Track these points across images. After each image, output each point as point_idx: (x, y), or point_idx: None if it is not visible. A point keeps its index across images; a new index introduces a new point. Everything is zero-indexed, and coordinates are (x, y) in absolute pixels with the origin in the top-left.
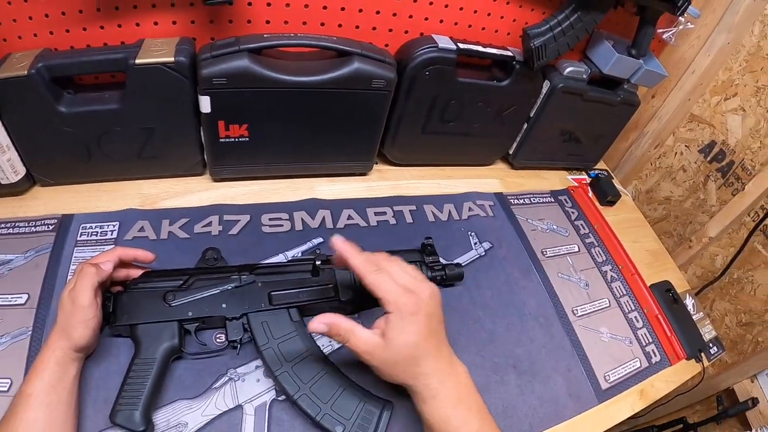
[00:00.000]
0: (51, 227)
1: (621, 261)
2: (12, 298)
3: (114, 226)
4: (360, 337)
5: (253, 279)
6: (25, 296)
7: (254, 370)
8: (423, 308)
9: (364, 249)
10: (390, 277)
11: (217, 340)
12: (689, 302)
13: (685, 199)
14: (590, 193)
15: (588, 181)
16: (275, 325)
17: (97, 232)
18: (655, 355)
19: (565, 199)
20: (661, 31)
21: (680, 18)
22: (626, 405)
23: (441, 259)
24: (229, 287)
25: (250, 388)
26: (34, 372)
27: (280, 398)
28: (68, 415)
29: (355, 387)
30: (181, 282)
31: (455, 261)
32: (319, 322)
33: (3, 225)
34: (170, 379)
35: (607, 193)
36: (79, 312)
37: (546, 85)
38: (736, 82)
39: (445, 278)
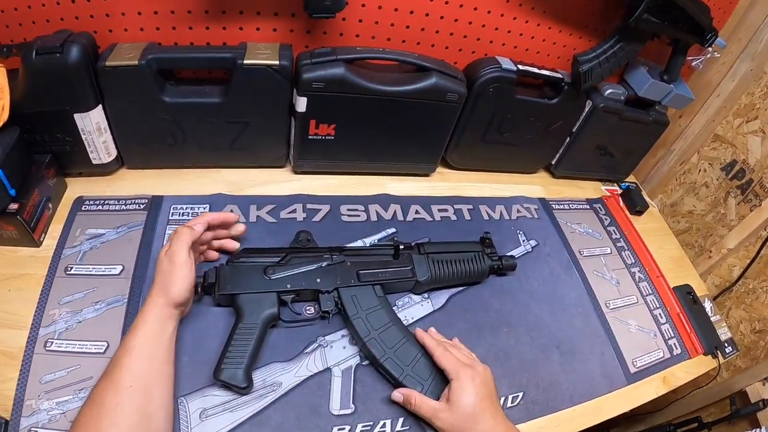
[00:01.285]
0: (142, 206)
1: (648, 264)
2: (106, 268)
3: (204, 208)
4: (429, 404)
5: (343, 258)
6: (120, 267)
7: (340, 338)
8: (478, 376)
9: (430, 240)
10: (453, 354)
11: (308, 311)
12: (707, 305)
13: (706, 213)
14: (621, 203)
15: (619, 192)
16: (363, 299)
17: (189, 213)
18: (676, 348)
19: (599, 207)
20: (690, 58)
21: (708, 48)
22: (651, 388)
23: (497, 252)
24: (323, 264)
25: (337, 353)
26: (135, 327)
27: (363, 363)
28: (166, 367)
29: (430, 357)
30: (279, 258)
31: (508, 254)
32: (398, 392)
33: (93, 202)
34: (266, 344)
35: (636, 204)
36: (177, 268)
37: (588, 105)
38: (757, 106)
39: (501, 267)
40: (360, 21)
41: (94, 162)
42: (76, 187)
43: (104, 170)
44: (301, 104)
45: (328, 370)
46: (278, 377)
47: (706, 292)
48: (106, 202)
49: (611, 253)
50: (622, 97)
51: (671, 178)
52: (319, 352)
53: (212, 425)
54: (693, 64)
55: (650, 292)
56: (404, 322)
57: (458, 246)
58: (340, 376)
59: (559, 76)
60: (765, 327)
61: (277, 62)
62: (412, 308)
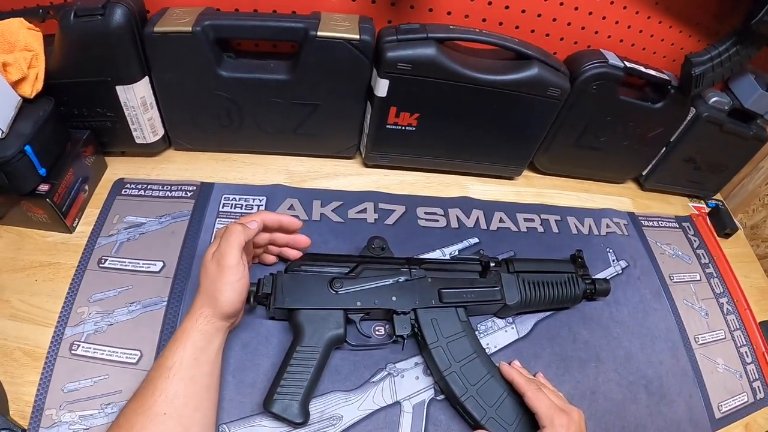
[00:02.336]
0: (189, 194)
1: (736, 295)
2: (144, 264)
3: (261, 200)
4: None
5: (424, 274)
6: (160, 264)
7: (413, 366)
8: (573, 425)
9: (516, 254)
10: (546, 396)
11: (377, 332)
12: None
13: None
14: (709, 223)
15: (707, 211)
16: (444, 323)
17: (242, 205)
18: (760, 392)
19: (688, 227)
20: None
21: None
22: None
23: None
24: (400, 280)
25: (409, 384)
26: (175, 342)
27: (438, 398)
28: (209, 390)
29: (516, 395)
30: (349, 269)
31: (599, 276)
32: None
33: (135, 186)
34: (326, 369)
35: (725, 225)
36: (226, 273)
37: (691, 113)
38: None
39: (594, 292)
40: None
41: (137, 141)
42: (118, 168)
43: (149, 150)
44: (382, 88)
45: (397, 404)
46: (339, 409)
47: None
48: (149, 186)
49: (700, 280)
50: (727, 107)
51: (755, 198)
52: (388, 382)
53: None
54: None
55: (738, 326)
56: (486, 351)
57: (551, 265)
58: (411, 411)
59: (666, 77)
60: None
61: (357, 36)
62: (496, 334)
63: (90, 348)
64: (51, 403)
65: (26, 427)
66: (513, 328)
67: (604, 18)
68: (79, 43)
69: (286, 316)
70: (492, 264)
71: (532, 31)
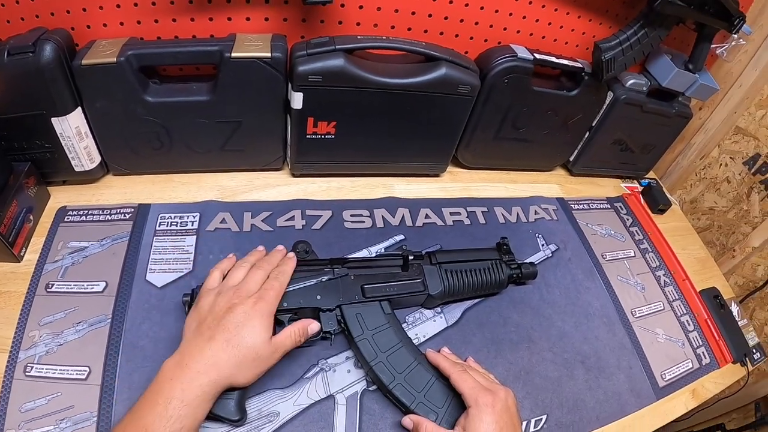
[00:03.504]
0: (128, 216)
1: (673, 267)
2: (89, 285)
3: (195, 216)
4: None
5: (346, 272)
6: (103, 284)
7: (345, 360)
8: (499, 402)
9: (442, 247)
10: (471, 377)
11: None
12: (734, 309)
13: (728, 209)
14: (642, 201)
15: (640, 190)
16: (369, 317)
17: (177, 223)
18: (705, 357)
19: (620, 206)
20: (714, 46)
21: (734, 35)
22: (680, 403)
23: (515, 259)
24: (324, 279)
25: (341, 378)
26: (173, 406)
27: (371, 388)
28: None
29: (444, 379)
30: None
31: (527, 261)
32: (408, 418)
33: (77, 213)
34: None
35: (658, 202)
36: (277, 358)
37: (609, 96)
38: None
39: (521, 276)
40: (360, 7)
41: (77, 169)
42: (60, 196)
43: (89, 177)
44: (297, 100)
45: (331, 397)
46: (276, 406)
47: (732, 295)
48: (90, 212)
49: (635, 256)
50: (645, 88)
51: (691, 173)
52: (320, 377)
53: None
54: (717, 51)
55: (677, 297)
56: (415, 341)
57: (474, 254)
58: (344, 404)
59: (579, 65)
60: None
61: (268, 54)
62: (424, 325)
63: (42, 368)
64: (9, 425)
65: None
66: (442, 317)
67: (511, 14)
68: (13, 79)
69: None
70: (411, 257)
71: (441, 33)
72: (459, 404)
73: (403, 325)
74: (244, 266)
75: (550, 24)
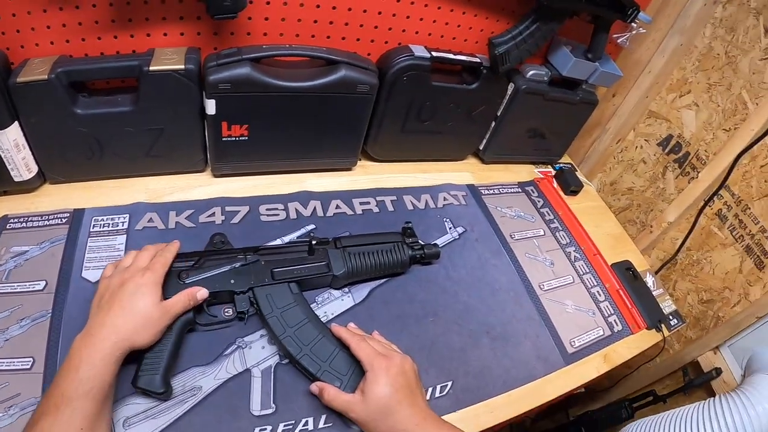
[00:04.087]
0: (64, 220)
1: (583, 243)
2: (30, 285)
3: (124, 218)
4: (342, 397)
5: (257, 258)
6: (43, 283)
7: (259, 338)
8: (394, 366)
9: (350, 234)
10: (369, 345)
11: (225, 313)
12: (649, 279)
13: (646, 188)
14: (555, 184)
15: (553, 174)
16: (278, 297)
17: (109, 224)
18: (617, 325)
19: (531, 190)
20: (616, 36)
21: (632, 24)
22: (592, 367)
23: (419, 240)
24: (237, 265)
25: (256, 354)
26: (88, 369)
27: (283, 362)
28: (111, 403)
29: (348, 351)
30: (193, 262)
31: (431, 242)
32: (314, 385)
33: (17, 220)
34: (184, 349)
35: (570, 184)
36: (165, 322)
37: (511, 87)
38: (689, 80)
39: (424, 256)
40: (266, 19)
41: (15, 179)
42: (2, 206)
43: (27, 187)
44: (211, 107)
45: (247, 371)
46: (198, 381)
47: (647, 267)
48: (29, 219)
49: (545, 234)
50: (546, 78)
51: (609, 156)
52: (238, 354)
53: None
54: (619, 41)
55: (587, 270)
56: (324, 319)
57: (376, 238)
58: (260, 376)
59: (477, 60)
60: (711, 297)
61: (182, 66)
62: (332, 304)
63: None
64: None
65: None
66: (349, 296)
67: (408, 17)
68: None
69: None
70: (314, 242)
71: (343, 38)
72: (361, 372)
73: (313, 305)
74: (132, 253)
75: (447, 24)
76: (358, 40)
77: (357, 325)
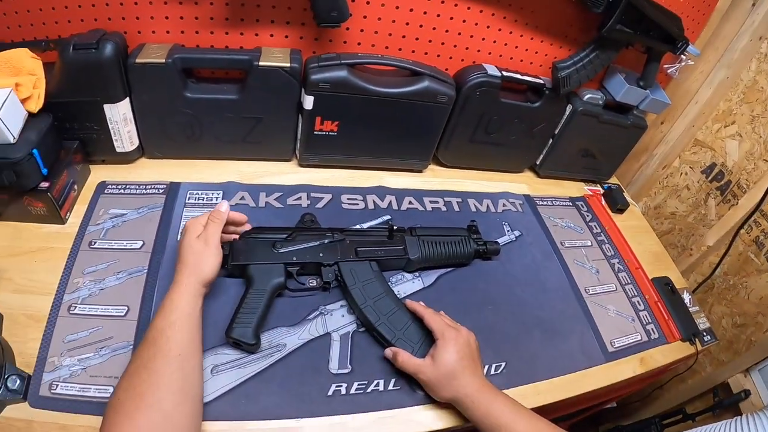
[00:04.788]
0: (161, 191)
1: (627, 257)
2: (128, 243)
3: (218, 194)
4: (414, 361)
5: (343, 237)
6: (141, 242)
7: (339, 307)
8: (461, 338)
9: (419, 225)
10: (440, 318)
11: (311, 283)
12: (686, 297)
13: (688, 214)
14: (603, 202)
15: (601, 192)
16: (360, 272)
17: (203, 198)
18: (654, 333)
19: (581, 204)
20: (666, 66)
21: (682, 56)
22: (628, 367)
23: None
24: (325, 242)
25: (336, 320)
26: (171, 303)
27: (360, 330)
28: (199, 337)
29: (419, 323)
30: (287, 235)
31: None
32: (389, 350)
33: (116, 186)
34: (272, 311)
35: (617, 202)
36: (210, 250)
37: (569, 108)
38: (734, 111)
39: (486, 251)
40: (361, 31)
41: (117, 150)
42: (99, 173)
43: (126, 158)
44: (309, 102)
45: (327, 334)
46: (283, 339)
47: (685, 285)
48: (127, 186)
49: (591, 245)
50: (601, 102)
51: (654, 181)
52: (320, 319)
53: (222, 380)
54: (669, 71)
55: (629, 281)
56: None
57: (447, 230)
58: (338, 340)
59: (541, 81)
60: (745, 321)
61: (288, 64)
62: (405, 284)
63: (85, 308)
64: (53, 352)
65: (30, 374)
66: (419, 280)
67: (483, 39)
68: (75, 70)
69: (241, 272)
70: (394, 227)
71: (426, 53)
72: (431, 342)
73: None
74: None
75: (516, 47)
76: (438, 56)
77: (426, 305)
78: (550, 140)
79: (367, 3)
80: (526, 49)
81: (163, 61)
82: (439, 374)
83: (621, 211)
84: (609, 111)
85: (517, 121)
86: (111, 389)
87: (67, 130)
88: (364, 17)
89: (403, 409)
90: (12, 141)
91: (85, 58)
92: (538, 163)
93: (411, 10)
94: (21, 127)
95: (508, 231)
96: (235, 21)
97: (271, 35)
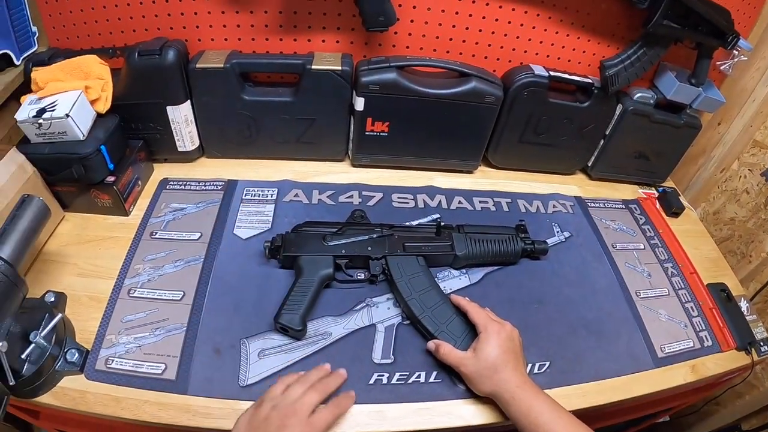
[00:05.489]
0: (219, 188)
1: (681, 261)
2: (186, 234)
3: (273, 191)
4: (456, 353)
5: (391, 232)
6: (198, 234)
7: (385, 300)
8: (504, 333)
9: (468, 224)
10: (484, 312)
11: (359, 276)
12: (743, 304)
13: (748, 219)
14: (657, 205)
15: (656, 195)
16: (407, 266)
17: (259, 195)
18: (707, 340)
19: (635, 207)
20: (719, 63)
21: (734, 51)
22: (679, 374)
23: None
24: (374, 236)
25: (382, 313)
26: None
27: (405, 322)
28: None
29: (463, 318)
30: (336, 229)
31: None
32: (432, 342)
33: (177, 183)
34: (320, 301)
35: (672, 205)
36: None
37: (619, 108)
38: None
39: (534, 250)
40: (409, 35)
41: (179, 149)
42: (162, 171)
43: (187, 157)
44: (360, 103)
45: (372, 326)
46: (329, 328)
47: (743, 293)
48: (187, 183)
49: (644, 248)
50: (652, 101)
51: (713, 185)
52: (366, 311)
53: (268, 363)
54: (722, 68)
55: (682, 286)
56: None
57: (494, 229)
58: (383, 331)
59: (590, 81)
60: None
61: (339, 67)
62: (451, 281)
63: (144, 292)
64: (111, 331)
65: (89, 349)
66: (466, 277)
67: (530, 40)
68: (141, 74)
69: (291, 263)
70: (442, 224)
71: (473, 55)
72: (473, 337)
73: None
74: (304, 385)
75: (563, 47)
76: (485, 57)
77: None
78: (601, 141)
79: (414, 8)
80: (573, 49)
81: (222, 65)
82: (480, 367)
83: (676, 214)
84: (661, 110)
85: (567, 121)
86: (163, 366)
87: (132, 130)
88: (411, 21)
89: (443, 402)
90: (82, 138)
91: (149, 63)
92: (589, 164)
93: (456, 13)
94: (90, 126)
95: (558, 232)
96: (288, 28)
97: (323, 41)
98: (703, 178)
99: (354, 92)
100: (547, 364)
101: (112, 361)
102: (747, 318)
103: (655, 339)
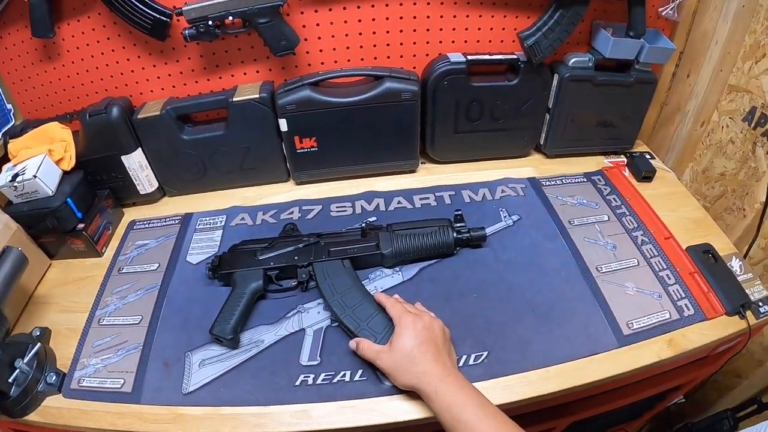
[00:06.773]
0: (177, 221)
1: (653, 226)
2: (147, 266)
3: (222, 218)
4: (373, 347)
5: (318, 240)
6: (157, 264)
7: (316, 305)
8: (421, 323)
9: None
10: (402, 306)
11: (290, 284)
12: (735, 263)
13: (738, 171)
14: (627, 172)
15: (624, 162)
16: (331, 270)
17: (210, 223)
18: (688, 309)
19: (598, 179)
20: (660, 9)
21: None
22: (651, 351)
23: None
24: (300, 246)
25: (312, 317)
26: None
27: (333, 325)
28: None
29: (386, 314)
30: (267, 244)
31: (489, 229)
32: (352, 341)
33: (142, 222)
34: (255, 313)
35: (641, 169)
36: None
37: (555, 78)
38: (762, 43)
39: (470, 238)
40: (320, 51)
41: (141, 192)
42: (132, 213)
43: (150, 198)
44: (284, 124)
45: (302, 330)
46: (262, 336)
47: (733, 251)
48: (151, 221)
49: (609, 220)
50: (590, 64)
51: (696, 142)
52: (297, 317)
53: (207, 371)
54: (664, 13)
55: (656, 254)
56: (373, 292)
57: (424, 222)
58: (311, 335)
59: (514, 57)
60: None
61: (257, 95)
62: (383, 280)
63: (111, 319)
64: (84, 355)
65: (65, 372)
66: (399, 274)
67: (441, 30)
68: (94, 131)
69: (228, 280)
70: (367, 227)
71: (388, 57)
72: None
73: (366, 281)
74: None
75: (479, 29)
76: (401, 57)
77: (400, 297)
78: (547, 116)
79: (317, 25)
80: (491, 29)
81: (159, 113)
82: (396, 359)
83: (648, 179)
84: (605, 72)
85: (500, 102)
86: (122, 381)
87: (98, 181)
88: (319, 38)
89: (367, 399)
90: (51, 194)
91: (98, 121)
92: (542, 142)
93: (359, 20)
94: (57, 182)
95: (504, 216)
96: (211, 69)
97: (244, 73)
98: (683, 137)
99: (276, 115)
100: (484, 354)
101: (83, 380)
102: (739, 278)
103: (619, 315)
